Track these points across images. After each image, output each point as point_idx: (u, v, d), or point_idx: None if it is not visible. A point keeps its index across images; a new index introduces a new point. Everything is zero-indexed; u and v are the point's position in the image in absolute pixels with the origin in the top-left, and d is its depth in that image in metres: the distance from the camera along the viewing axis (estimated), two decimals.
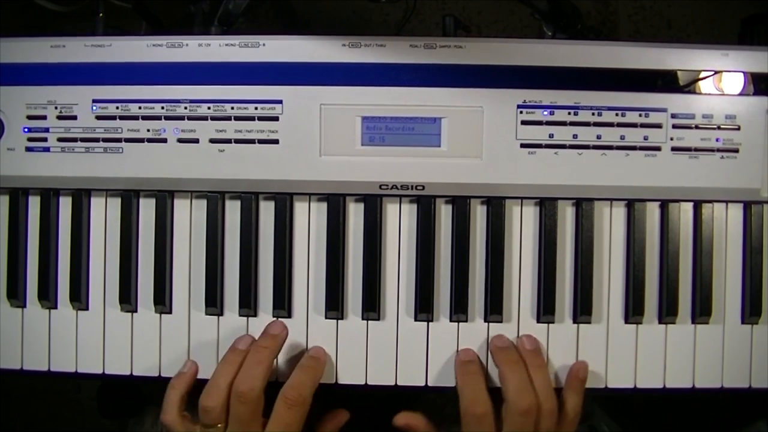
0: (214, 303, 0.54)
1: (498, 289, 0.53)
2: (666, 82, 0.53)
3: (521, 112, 0.53)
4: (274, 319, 0.54)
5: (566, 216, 0.55)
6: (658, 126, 0.53)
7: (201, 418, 0.49)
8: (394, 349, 0.54)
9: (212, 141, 0.53)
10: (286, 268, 0.54)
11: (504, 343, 0.53)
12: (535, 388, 0.50)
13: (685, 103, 0.53)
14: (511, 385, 0.50)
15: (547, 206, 0.54)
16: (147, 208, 0.55)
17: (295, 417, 0.49)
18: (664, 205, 0.54)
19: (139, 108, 0.53)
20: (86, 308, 0.55)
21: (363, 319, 0.54)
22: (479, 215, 0.55)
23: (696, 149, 0.53)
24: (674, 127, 0.53)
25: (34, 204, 0.55)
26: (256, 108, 0.53)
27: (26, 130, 0.54)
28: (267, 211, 0.55)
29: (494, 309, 0.53)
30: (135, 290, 0.55)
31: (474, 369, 0.52)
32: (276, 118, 0.53)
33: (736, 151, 0.53)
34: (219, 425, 0.49)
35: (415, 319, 0.54)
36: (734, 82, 0.53)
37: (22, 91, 0.54)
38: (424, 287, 0.54)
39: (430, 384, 0.54)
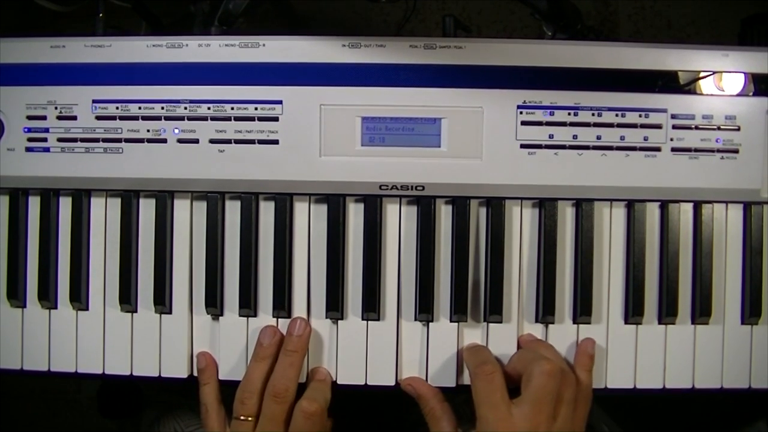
0: (214, 303, 0.54)
1: (498, 289, 0.53)
2: (666, 82, 0.53)
3: (521, 113, 0.53)
4: (298, 317, 0.54)
5: (566, 216, 0.55)
6: (658, 126, 0.53)
7: (236, 410, 0.51)
8: (394, 349, 0.54)
9: (212, 141, 0.53)
10: (286, 269, 0.54)
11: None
12: None
13: (685, 103, 0.53)
14: (528, 355, 0.50)
15: (547, 207, 0.54)
16: (147, 209, 0.55)
17: (313, 428, 0.50)
18: (664, 205, 0.54)
19: (139, 108, 0.53)
20: (86, 308, 0.55)
21: (363, 319, 0.54)
22: (479, 216, 0.55)
23: (696, 150, 0.53)
24: (674, 127, 0.53)
25: (34, 204, 0.55)
26: (256, 108, 0.53)
27: (26, 130, 0.54)
28: (267, 212, 0.55)
29: (494, 309, 0.53)
30: (135, 290, 0.55)
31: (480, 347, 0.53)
32: (276, 119, 0.53)
33: (736, 151, 0.53)
34: (250, 418, 0.50)
35: (415, 320, 0.54)
36: (734, 83, 0.53)
37: (22, 91, 0.54)
38: (424, 287, 0.54)
39: (430, 384, 0.54)
